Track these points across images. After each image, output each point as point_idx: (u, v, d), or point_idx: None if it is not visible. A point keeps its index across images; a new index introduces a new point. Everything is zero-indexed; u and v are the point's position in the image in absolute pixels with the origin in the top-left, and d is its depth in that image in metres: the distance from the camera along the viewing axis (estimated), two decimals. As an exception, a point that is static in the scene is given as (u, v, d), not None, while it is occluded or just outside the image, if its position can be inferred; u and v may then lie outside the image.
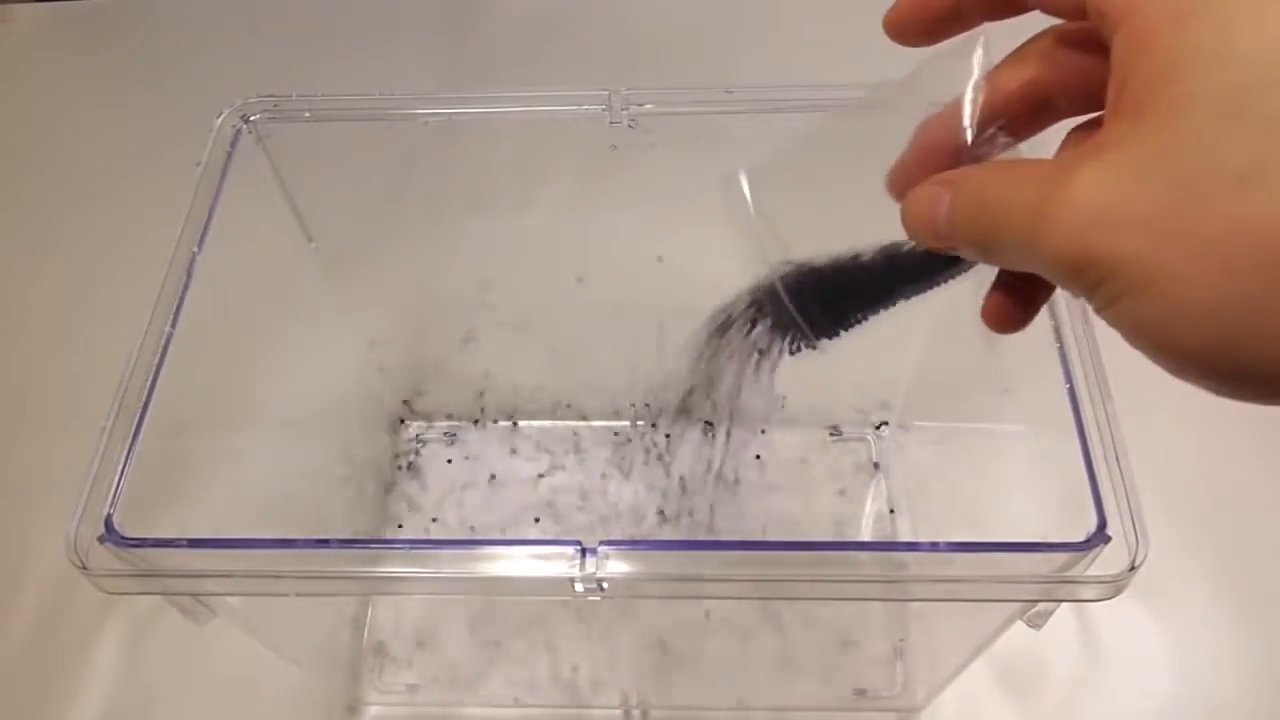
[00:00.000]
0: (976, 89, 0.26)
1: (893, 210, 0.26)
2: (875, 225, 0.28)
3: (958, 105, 0.26)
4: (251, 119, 0.46)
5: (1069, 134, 0.25)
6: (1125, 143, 0.20)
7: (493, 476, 0.64)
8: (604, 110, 0.46)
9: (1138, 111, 0.20)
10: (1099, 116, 0.24)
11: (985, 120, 0.25)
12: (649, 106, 0.46)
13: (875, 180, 0.28)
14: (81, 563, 0.34)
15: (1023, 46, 0.25)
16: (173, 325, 0.39)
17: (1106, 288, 0.20)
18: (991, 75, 0.26)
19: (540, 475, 0.64)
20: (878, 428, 0.65)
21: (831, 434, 0.65)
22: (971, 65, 0.26)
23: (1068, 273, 0.21)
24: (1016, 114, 0.25)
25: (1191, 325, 0.19)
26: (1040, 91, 0.25)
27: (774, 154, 0.30)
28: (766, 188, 0.30)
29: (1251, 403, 0.20)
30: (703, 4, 0.87)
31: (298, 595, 0.38)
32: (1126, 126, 0.20)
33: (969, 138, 0.25)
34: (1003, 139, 0.26)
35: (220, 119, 0.46)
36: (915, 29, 0.26)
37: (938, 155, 0.26)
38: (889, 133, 0.27)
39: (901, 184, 0.27)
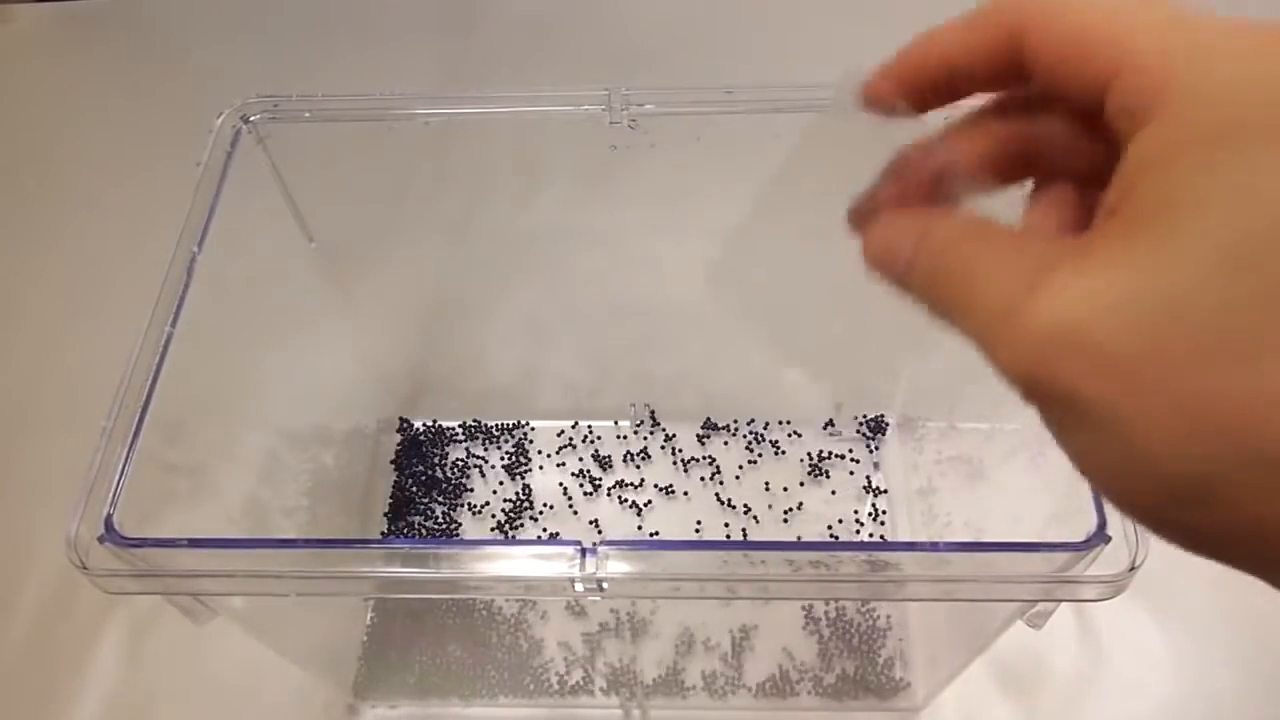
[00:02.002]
0: (954, 128, 0.23)
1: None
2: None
3: (941, 142, 0.24)
4: (251, 119, 0.46)
5: (1038, 196, 0.23)
6: (1117, 262, 0.18)
7: (493, 476, 0.64)
8: (604, 110, 0.46)
9: (1139, 228, 0.17)
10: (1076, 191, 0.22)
11: (961, 166, 0.23)
12: (649, 106, 0.46)
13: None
14: (82, 563, 0.35)
15: (1003, 98, 0.23)
16: (173, 325, 0.39)
17: (1060, 416, 0.19)
18: (974, 119, 0.24)
19: (540, 474, 0.64)
20: (878, 427, 0.65)
21: (831, 433, 0.65)
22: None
23: (1020, 387, 0.19)
24: (992, 165, 0.23)
25: (1143, 479, 0.18)
26: (1023, 147, 0.23)
27: (726, 239, 0.29)
28: (735, 277, 0.29)
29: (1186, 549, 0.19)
30: (703, 4, 0.87)
31: (298, 595, 0.38)
32: (1122, 242, 0.18)
33: (946, 180, 0.23)
34: (971, 185, 0.23)
35: (220, 119, 0.46)
36: (898, 98, 0.23)
37: (911, 189, 0.23)
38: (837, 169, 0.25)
39: (865, 217, 0.24)
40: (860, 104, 0.24)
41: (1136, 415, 0.17)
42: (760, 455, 0.64)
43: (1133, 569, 0.34)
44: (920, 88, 0.23)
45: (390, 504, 0.63)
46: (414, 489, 0.63)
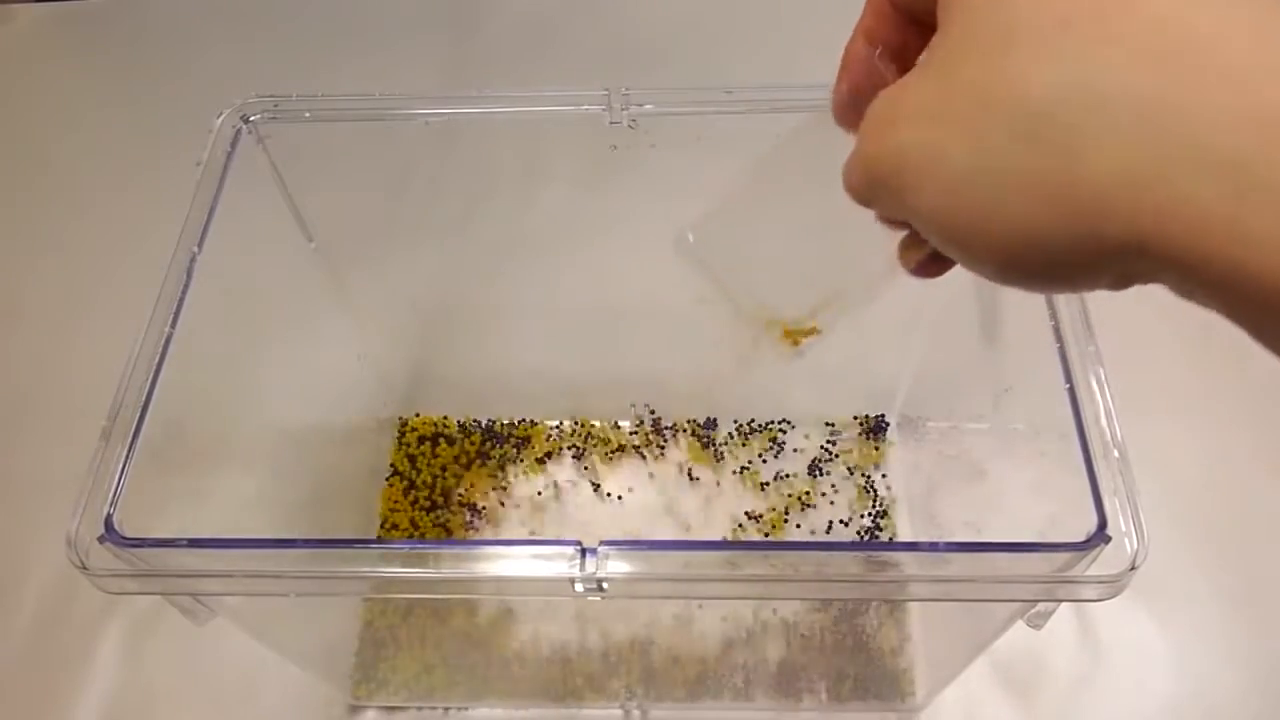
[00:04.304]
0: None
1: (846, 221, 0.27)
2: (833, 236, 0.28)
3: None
4: (251, 119, 0.46)
5: None
6: (931, 46, 0.22)
7: (493, 475, 0.64)
8: (604, 110, 0.46)
9: (939, 28, 0.22)
10: None
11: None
12: (649, 106, 0.46)
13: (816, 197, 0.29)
14: (81, 563, 0.35)
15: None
16: (173, 325, 0.39)
17: (902, 184, 0.22)
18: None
19: (538, 474, 0.64)
20: (878, 427, 0.65)
21: (831, 433, 0.65)
22: None
23: (875, 181, 0.23)
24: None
25: (958, 199, 0.20)
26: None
27: (709, 208, 0.32)
28: (714, 241, 0.32)
29: (1038, 289, 0.22)
30: (703, 4, 0.87)
31: (298, 595, 0.38)
32: (933, 40, 0.22)
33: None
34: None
35: (220, 119, 0.46)
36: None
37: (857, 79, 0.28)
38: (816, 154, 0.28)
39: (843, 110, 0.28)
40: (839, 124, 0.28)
41: (941, 139, 0.21)
42: (761, 455, 0.64)
43: (1133, 569, 0.34)
44: (875, 83, 0.26)
45: (390, 504, 0.63)
46: (414, 489, 0.63)
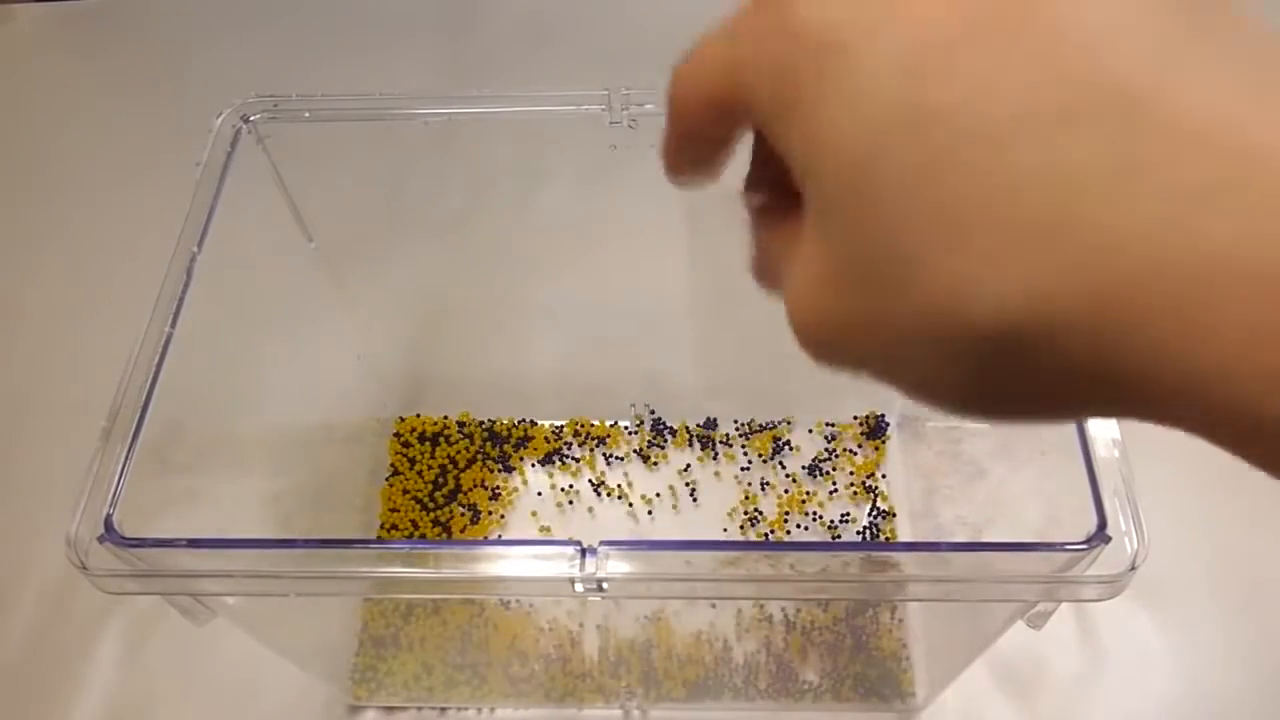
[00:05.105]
0: None
1: None
2: None
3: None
4: (251, 119, 0.46)
5: None
6: (811, 240, 0.19)
7: (493, 475, 0.64)
8: (604, 110, 0.46)
9: (809, 201, 0.18)
10: None
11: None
12: (649, 106, 0.46)
13: None
14: (81, 563, 0.35)
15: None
16: (173, 325, 0.39)
17: (864, 376, 0.19)
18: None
19: (540, 474, 0.64)
20: (878, 427, 0.65)
21: (831, 433, 0.65)
22: None
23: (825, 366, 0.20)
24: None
25: (941, 401, 0.18)
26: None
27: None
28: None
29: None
30: (703, 4, 0.87)
31: (297, 595, 0.38)
32: (809, 218, 0.19)
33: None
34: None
35: (220, 119, 0.46)
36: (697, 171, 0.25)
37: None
38: None
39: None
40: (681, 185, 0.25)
41: (903, 361, 0.18)
42: (761, 455, 0.64)
43: (1133, 569, 0.34)
44: (707, 149, 0.24)
45: (390, 504, 0.63)
46: (414, 489, 0.63)
